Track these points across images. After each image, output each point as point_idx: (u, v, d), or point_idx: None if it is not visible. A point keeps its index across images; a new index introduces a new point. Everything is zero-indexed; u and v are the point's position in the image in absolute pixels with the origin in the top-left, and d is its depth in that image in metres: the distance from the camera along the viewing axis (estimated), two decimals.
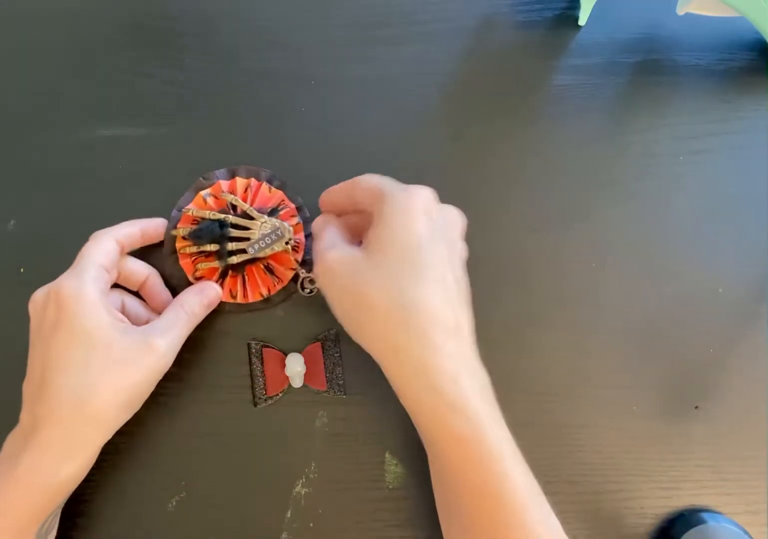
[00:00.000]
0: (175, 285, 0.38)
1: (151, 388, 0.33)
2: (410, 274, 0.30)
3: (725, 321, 0.39)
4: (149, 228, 0.38)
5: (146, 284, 0.37)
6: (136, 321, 0.36)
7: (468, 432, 0.28)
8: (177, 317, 0.34)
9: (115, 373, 0.31)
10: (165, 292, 0.38)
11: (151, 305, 0.38)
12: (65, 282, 0.32)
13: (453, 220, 0.33)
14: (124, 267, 0.36)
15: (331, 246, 0.32)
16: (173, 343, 0.33)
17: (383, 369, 0.31)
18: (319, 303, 0.39)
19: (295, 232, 0.38)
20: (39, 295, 0.33)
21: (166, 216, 0.39)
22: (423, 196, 0.32)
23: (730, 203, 0.40)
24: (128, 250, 0.37)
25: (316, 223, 0.35)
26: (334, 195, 0.36)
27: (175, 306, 0.35)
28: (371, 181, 0.33)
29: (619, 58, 0.42)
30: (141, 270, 0.37)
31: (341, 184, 0.35)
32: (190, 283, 0.38)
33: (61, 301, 0.32)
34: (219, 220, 0.37)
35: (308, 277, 0.38)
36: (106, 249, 0.34)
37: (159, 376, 0.33)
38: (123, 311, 0.36)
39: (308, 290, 0.38)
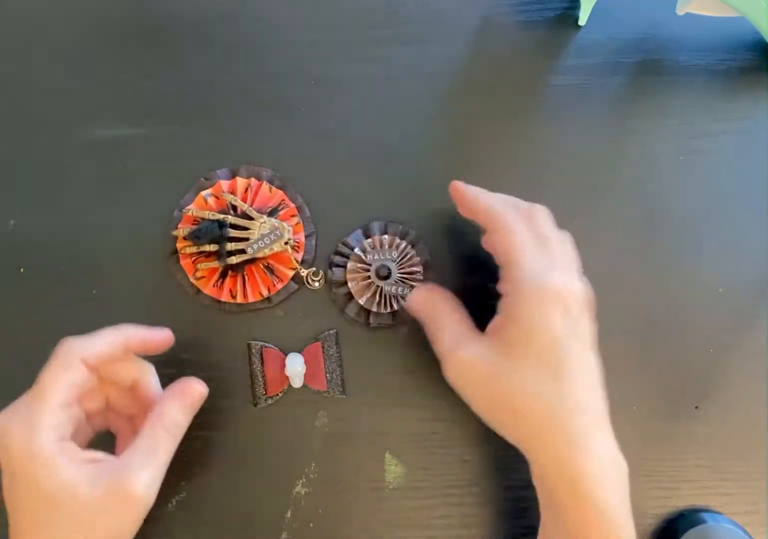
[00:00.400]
0: (176, 285, 0.38)
1: (136, 527, 0.30)
2: (550, 375, 0.29)
3: (725, 321, 0.39)
4: (152, 341, 0.33)
5: (136, 387, 0.33)
6: (117, 418, 0.34)
7: (606, 531, 0.28)
8: (156, 440, 0.30)
9: (88, 530, 0.28)
10: (156, 393, 0.33)
11: (138, 405, 0.34)
12: (14, 429, 0.28)
13: (585, 301, 0.31)
14: (108, 373, 0.32)
15: (457, 345, 0.31)
16: (154, 477, 0.29)
17: (528, 460, 0.31)
18: (319, 303, 0.39)
19: (295, 232, 0.38)
20: None
21: (167, 215, 0.39)
22: (559, 283, 0.30)
23: (730, 203, 0.40)
24: (113, 361, 0.32)
25: (427, 301, 0.34)
26: (466, 196, 0.35)
27: (153, 424, 0.30)
28: (495, 212, 0.33)
29: (619, 58, 0.42)
30: (126, 377, 0.33)
31: (470, 192, 0.34)
32: (190, 283, 0.38)
33: (10, 456, 0.28)
34: (218, 220, 0.37)
35: (311, 271, 0.38)
36: (70, 381, 0.29)
37: (142, 516, 0.29)
38: (106, 406, 0.33)
39: (316, 283, 0.38)
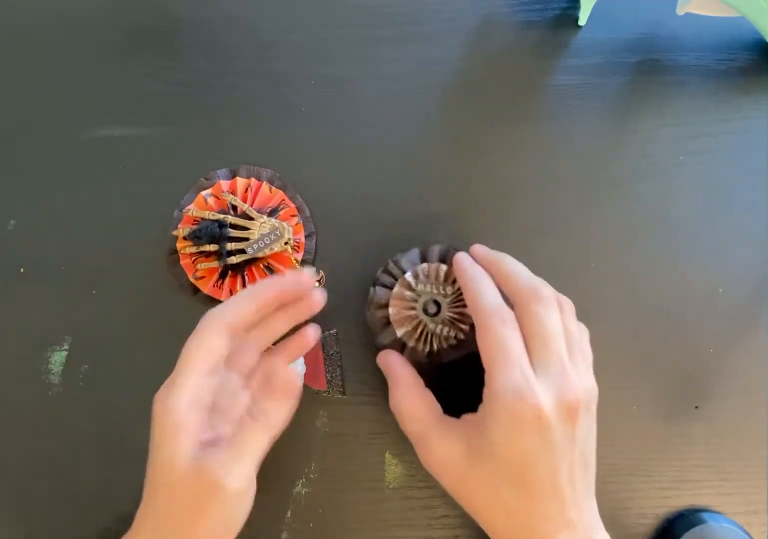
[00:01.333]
0: (176, 285, 0.38)
1: (234, 521, 0.30)
2: (517, 493, 0.28)
3: (725, 321, 0.39)
4: (286, 287, 0.32)
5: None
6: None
7: None
8: (248, 433, 0.30)
9: (189, 523, 0.29)
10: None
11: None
12: (159, 396, 0.30)
13: (586, 401, 0.29)
14: (266, 370, 0.33)
15: (431, 433, 0.30)
16: (246, 472, 0.29)
17: None
18: None
19: (295, 232, 0.38)
20: None
21: (167, 215, 0.39)
22: (536, 402, 0.27)
23: (730, 203, 0.40)
24: (248, 327, 0.32)
25: (402, 382, 0.33)
26: (480, 262, 0.33)
27: (248, 417, 0.31)
28: (511, 293, 0.31)
29: (619, 58, 0.42)
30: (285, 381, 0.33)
31: (485, 256, 0.32)
32: (190, 283, 0.38)
33: (153, 420, 0.30)
34: (218, 221, 0.37)
35: (311, 272, 0.38)
36: (211, 348, 0.30)
37: (241, 515, 0.30)
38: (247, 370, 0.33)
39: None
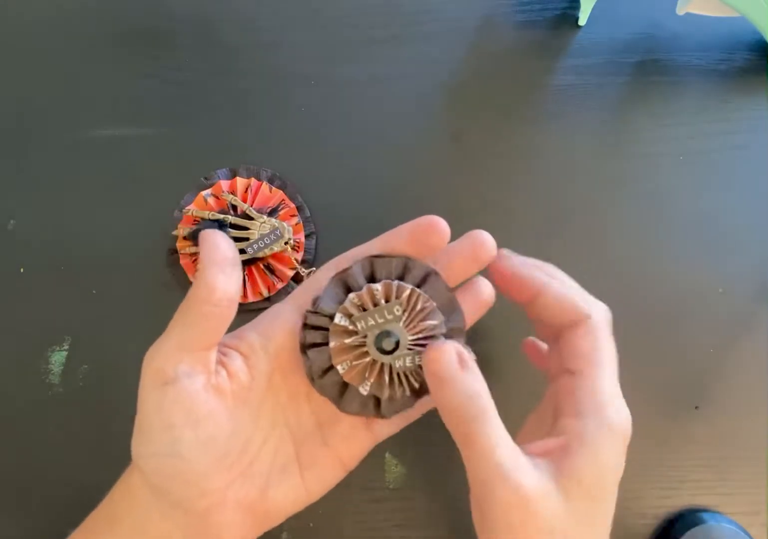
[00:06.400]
0: (176, 285, 0.38)
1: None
2: (603, 519, 0.23)
3: (725, 321, 0.39)
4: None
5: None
6: None
7: None
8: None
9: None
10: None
11: None
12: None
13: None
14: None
15: (516, 463, 0.21)
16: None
17: None
18: None
19: (295, 232, 0.38)
20: None
21: (167, 215, 0.39)
22: (626, 417, 0.23)
23: (730, 203, 0.40)
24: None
25: (461, 396, 0.22)
26: (513, 274, 0.26)
27: None
28: (564, 312, 0.26)
29: (619, 58, 0.42)
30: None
31: (525, 272, 0.26)
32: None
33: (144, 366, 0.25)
34: (218, 220, 0.37)
35: (311, 272, 0.38)
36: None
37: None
38: None
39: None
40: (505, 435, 0.22)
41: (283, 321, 0.26)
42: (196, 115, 0.41)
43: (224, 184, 0.39)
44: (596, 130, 0.41)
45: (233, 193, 0.38)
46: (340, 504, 0.36)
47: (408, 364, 0.25)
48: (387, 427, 0.28)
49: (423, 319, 0.25)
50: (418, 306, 0.25)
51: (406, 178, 0.40)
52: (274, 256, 0.38)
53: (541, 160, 0.41)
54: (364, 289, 0.25)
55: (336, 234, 0.39)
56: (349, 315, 0.25)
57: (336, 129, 0.41)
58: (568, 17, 0.43)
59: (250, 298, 0.38)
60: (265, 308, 0.38)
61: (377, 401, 0.26)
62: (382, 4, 0.43)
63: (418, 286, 0.25)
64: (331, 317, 0.25)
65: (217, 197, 0.39)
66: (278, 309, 0.27)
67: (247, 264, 0.38)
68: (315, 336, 0.25)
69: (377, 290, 0.25)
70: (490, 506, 0.22)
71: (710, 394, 0.38)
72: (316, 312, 0.25)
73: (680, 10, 0.41)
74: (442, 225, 0.26)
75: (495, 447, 0.22)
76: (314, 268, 0.39)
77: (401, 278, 0.26)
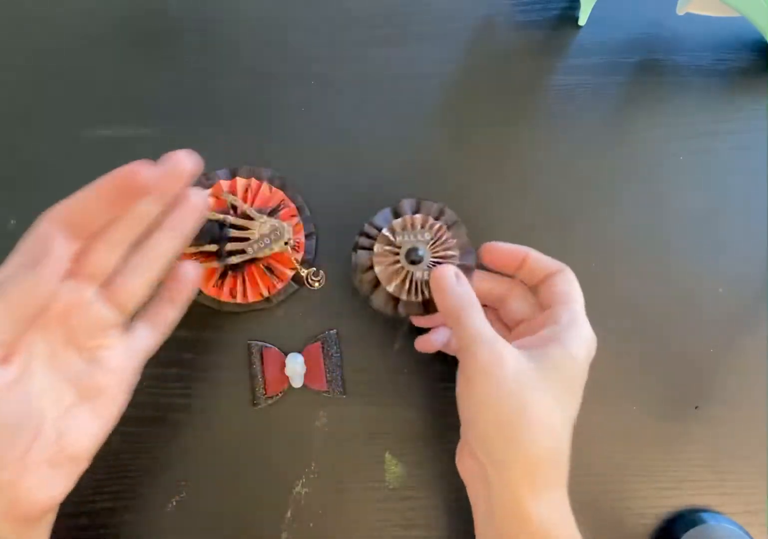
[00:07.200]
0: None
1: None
2: (572, 407, 0.30)
3: (725, 321, 0.39)
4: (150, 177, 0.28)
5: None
6: None
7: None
8: None
9: None
10: None
11: None
12: None
13: None
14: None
15: (496, 338, 0.30)
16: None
17: (490, 478, 0.30)
18: (319, 303, 0.39)
19: (295, 232, 0.38)
20: None
21: None
22: (592, 336, 0.32)
23: (730, 203, 0.40)
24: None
25: (454, 297, 0.31)
26: (503, 253, 0.34)
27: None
28: (548, 266, 0.33)
29: (619, 58, 0.42)
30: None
31: (512, 247, 0.34)
32: None
33: None
34: (218, 221, 0.37)
35: (311, 271, 0.38)
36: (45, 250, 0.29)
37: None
38: None
39: (316, 283, 0.38)
40: (487, 322, 0.30)
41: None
42: (196, 115, 0.41)
43: (224, 184, 0.39)
44: (596, 130, 0.41)
45: (233, 193, 0.38)
46: (340, 504, 0.36)
47: (425, 278, 0.33)
48: (146, 338, 0.30)
49: (445, 249, 0.34)
50: (443, 238, 0.34)
51: (406, 177, 0.40)
52: (274, 256, 0.38)
53: (541, 160, 0.41)
54: (408, 216, 0.34)
55: (336, 234, 0.39)
56: (393, 230, 0.34)
57: (336, 129, 0.41)
58: (568, 17, 0.43)
59: (250, 298, 0.38)
60: (265, 308, 0.38)
61: (395, 304, 0.34)
62: (382, 4, 0.43)
63: (448, 227, 0.34)
64: (380, 230, 0.35)
65: (217, 197, 0.39)
66: None
67: (247, 264, 0.38)
68: (364, 242, 0.35)
69: (417, 218, 0.34)
70: (473, 367, 0.29)
71: (710, 394, 0.38)
72: (371, 224, 0.35)
73: (680, 10, 0.41)
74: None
75: (480, 324, 0.30)
76: (314, 268, 0.39)
77: (436, 218, 0.35)
